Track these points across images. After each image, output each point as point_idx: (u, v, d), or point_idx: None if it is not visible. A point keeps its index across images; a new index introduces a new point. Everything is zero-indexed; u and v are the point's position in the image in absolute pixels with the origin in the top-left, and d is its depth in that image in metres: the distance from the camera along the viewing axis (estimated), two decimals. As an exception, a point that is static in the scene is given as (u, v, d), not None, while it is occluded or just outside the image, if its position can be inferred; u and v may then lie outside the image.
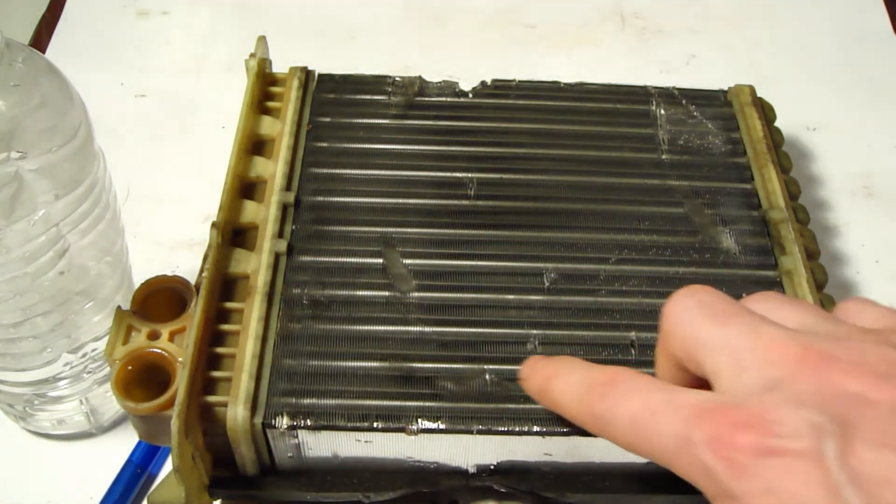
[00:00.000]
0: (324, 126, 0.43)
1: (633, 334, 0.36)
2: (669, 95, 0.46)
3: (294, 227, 0.39)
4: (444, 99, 0.45)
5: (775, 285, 0.38)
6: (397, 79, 0.46)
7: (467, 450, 0.34)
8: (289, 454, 0.35)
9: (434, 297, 0.37)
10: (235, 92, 0.44)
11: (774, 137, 0.44)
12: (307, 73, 0.45)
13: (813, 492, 0.22)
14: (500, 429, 0.33)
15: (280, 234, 0.38)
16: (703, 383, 0.27)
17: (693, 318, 0.27)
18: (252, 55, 0.44)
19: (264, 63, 0.45)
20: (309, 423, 0.33)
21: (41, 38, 0.65)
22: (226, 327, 0.35)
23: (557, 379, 0.30)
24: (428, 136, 0.43)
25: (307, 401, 0.34)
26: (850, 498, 0.22)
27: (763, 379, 0.25)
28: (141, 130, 0.58)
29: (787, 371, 0.25)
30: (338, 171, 0.42)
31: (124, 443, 0.44)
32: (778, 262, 0.39)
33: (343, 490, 0.35)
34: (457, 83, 0.46)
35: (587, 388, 0.29)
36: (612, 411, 0.27)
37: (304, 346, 0.35)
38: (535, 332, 0.36)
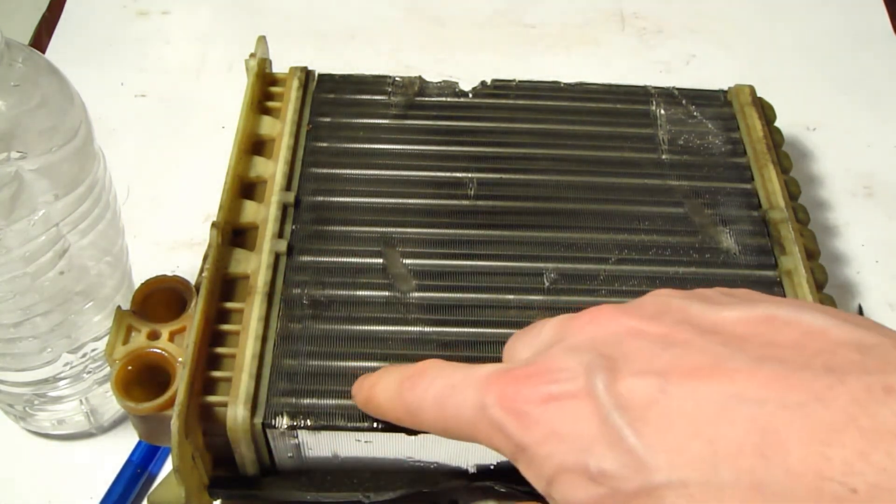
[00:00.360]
0: (324, 126, 0.43)
1: (633, 334, 0.36)
2: (669, 95, 0.46)
3: (294, 227, 0.39)
4: (444, 99, 0.45)
5: (775, 285, 0.38)
6: (397, 79, 0.46)
7: (467, 450, 0.34)
8: (289, 454, 0.35)
9: (434, 297, 0.37)
10: (235, 92, 0.44)
11: (774, 137, 0.44)
12: (307, 73, 0.45)
13: (586, 424, 0.24)
14: (500, 429, 0.33)
15: (280, 234, 0.38)
16: None
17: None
18: (252, 55, 0.44)
19: (264, 63, 0.45)
20: (309, 423, 0.33)
21: (41, 38, 0.65)
22: (226, 327, 0.35)
23: (377, 386, 0.31)
24: (428, 136, 0.43)
25: (307, 401, 0.34)
26: (617, 422, 0.23)
27: (544, 342, 0.28)
28: (141, 130, 0.58)
29: (565, 331, 0.27)
30: (338, 171, 0.42)
31: (124, 443, 0.44)
32: (778, 262, 0.39)
33: (343, 490, 0.35)
34: (457, 83, 0.46)
35: (399, 384, 0.30)
36: (420, 398, 0.29)
37: (304, 346, 0.35)
38: (535, 332, 0.36)
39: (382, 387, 0.31)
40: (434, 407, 0.28)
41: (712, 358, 0.24)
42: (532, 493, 0.34)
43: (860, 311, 0.51)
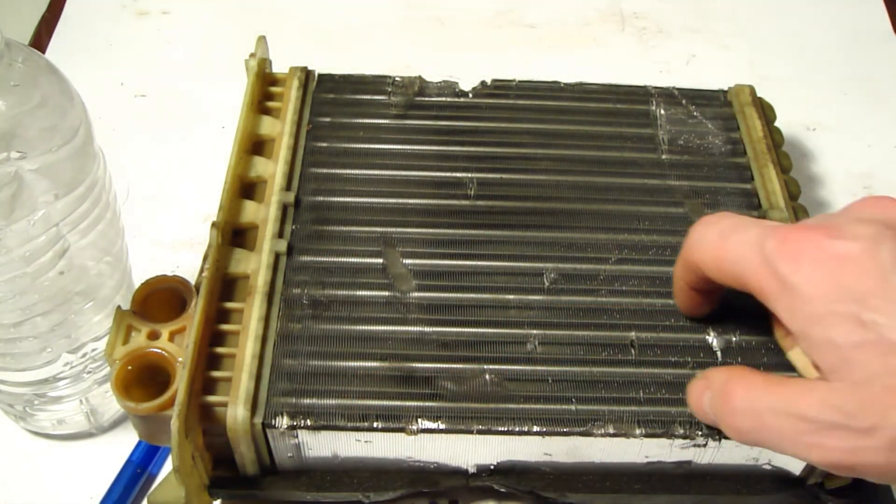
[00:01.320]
0: (324, 126, 0.43)
1: (632, 334, 0.36)
2: (669, 95, 0.46)
3: (294, 227, 0.39)
4: (444, 99, 0.45)
5: (775, 285, 0.38)
6: (397, 79, 0.46)
7: (467, 450, 0.34)
8: (289, 454, 0.35)
9: (434, 297, 0.37)
10: (235, 92, 0.44)
11: (774, 137, 0.44)
12: (307, 73, 0.45)
13: (865, 279, 0.27)
14: (500, 429, 0.33)
15: (280, 234, 0.38)
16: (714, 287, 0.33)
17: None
18: (252, 55, 0.44)
19: (264, 63, 0.45)
20: (309, 423, 0.33)
21: (41, 38, 0.65)
22: (226, 327, 0.35)
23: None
24: (428, 136, 0.43)
25: (307, 401, 0.34)
26: None
27: (827, 215, 0.31)
28: (141, 130, 0.58)
29: (850, 209, 0.30)
30: (338, 171, 0.42)
31: (124, 443, 0.44)
32: (778, 262, 0.39)
33: (343, 490, 0.35)
34: (457, 83, 0.46)
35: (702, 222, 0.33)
36: (704, 231, 0.32)
37: (304, 346, 0.35)
38: (535, 332, 0.36)
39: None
40: (718, 239, 0.31)
41: None
42: (532, 493, 0.34)
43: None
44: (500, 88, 0.46)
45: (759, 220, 0.31)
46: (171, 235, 0.53)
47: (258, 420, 0.33)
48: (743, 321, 0.37)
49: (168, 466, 0.33)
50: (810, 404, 0.28)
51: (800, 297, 0.28)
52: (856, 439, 0.27)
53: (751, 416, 0.30)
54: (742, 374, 0.31)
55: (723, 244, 0.31)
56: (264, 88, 0.45)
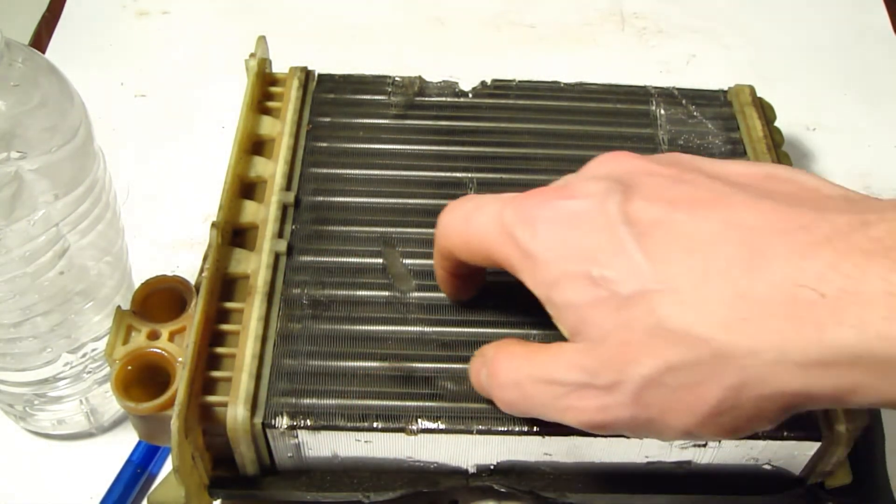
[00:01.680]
0: (324, 126, 0.43)
1: (633, 334, 0.36)
2: (669, 95, 0.46)
3: (294, 227, 0.39)
4: (444, 99, 0.45)
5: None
6: (397, 79, 0.46)
7: (467, 450, 0.34)
8: (289, 454, 0.35)
9: (434, 297, 0.37)
10: (235, 92, 0.44)
11: (774, 137, 0.44)
12: (307, 73, 0.45)
13: (595, 236, 0.27)
14: (500, 429, 0.33)
15: (280, 234, 0.38)
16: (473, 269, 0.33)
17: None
18: (252, 55, 0.44)
19: (264, 63, 0.45)
20: (309, 423, 0.33)
21: (41, 38, 0.65)
22: (226, 327, 0.35)
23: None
24: (428, 136, 0.43)
25: (307, 401, 0.34)
26: (623, 236, 0.27)
27: (565, 176, 0.31)
28: (141, 130, 0.58)
29: (586, 168, 0.31)
30: (338, 171, 0.42)
31: (124, 443, 0.44)
32: (778, 262, 0.39)
33: (343, 490, 0.35)
34: (457, 83, 0.46)
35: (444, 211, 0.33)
36: (449, 218, 0.32)
37: (304, 346, 0.35)
38: (535, 332, 0.36)
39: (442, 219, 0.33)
40: (462, 222, 0.31)
41: (716, 193, 0.27)
42: (532, 493, 0.34)
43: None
44: (500, 88, 0.46)
45: (500, 195, 0.31)
46: (171, 235, 0.53)
47: (258, 420, 0.33)
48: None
49: (168, 466, 0.33)
50: (559, 367, 0.28)
51: (538, 262, 0.28)
52: (602, 397, 0.27)
53: (514, 387, 0.30)
54: (507, 346, 0.31)
55: (467, 226, 0.31)
56: (264, 88, 0.45)
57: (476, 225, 0.31)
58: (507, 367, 0.30)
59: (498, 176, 0.42)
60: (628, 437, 0.29)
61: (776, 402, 0.25)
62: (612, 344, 0.27)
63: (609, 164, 0.30)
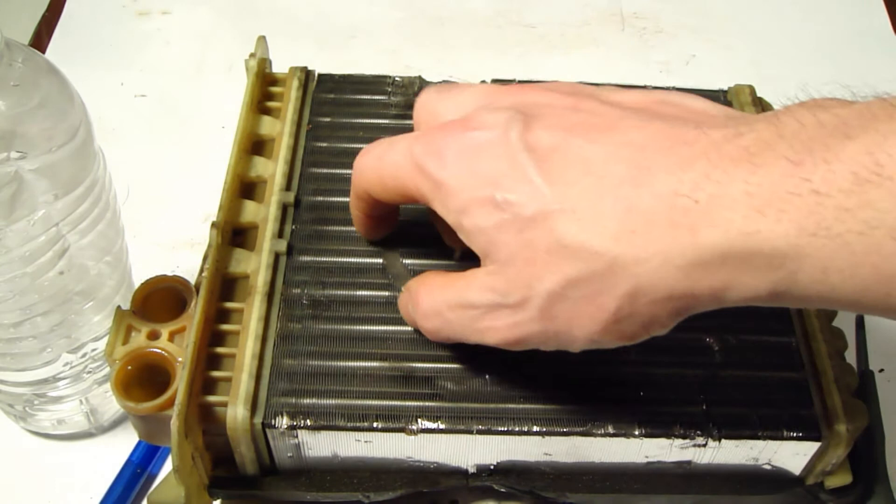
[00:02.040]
0: (324, 126, 0.43)
1: (632, 334, 0.36)
2: (669, 95, 0.46)
3: (294, 227, 0.39)
4: (444, 99, 0.45)
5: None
6: (397, 79, 0.46)
7: (467, 450, 0.34)
8: (289, 454, 0.35)
9: (434, 297, 0.37)
10: (235, 92, 0.44)
11: (774, 137, 0.44)
12: (307, 73, 0.45)
13: (497, 163, 0.29)
14: (500, 429, 0.33)
15: (280, 234, 0.38)
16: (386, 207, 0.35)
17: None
18: (252, 55, 0.44)
19: (264, 63, 0.45)
20: (309, 423, 0.33)
21: (41, 38, 0.65)
22: (226, 327, 0.35)
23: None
24: (428, 136, 0.43)
25: (307, 401, 0.34)
26: (523, 161, 0.28)
27: (469, 104, 0.32)
28: (141, 130, 0.58)
29: (490, 98, 0.32)
30: (338, 171, 0.42)
31: (124, 443, 0.44)
32: (778, 262, 0.39)
33: (343, 490, 0.35)
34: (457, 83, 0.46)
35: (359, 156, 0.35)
36: (364, 160, 0.34)
37: (304, 346, 0.35)
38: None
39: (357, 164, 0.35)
40: (376, 161, 0.33)
41: (610, 118, 0.29)
42: (532, 493, 0.34)
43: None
44: (500, 88, 0.46)
45: (410, 133, 0.33)
46: (171, 235, 0.53)
47: (258, 420, 0.33)
48: (742, 321, 0.37)
49: (168, 466, 0.33)
50: (472, 291, 0.30)
51: (448, 190, 0.30)
52: (513, 315, 0.29)
53: (434, 315, 0.32)
54: (427, 277, 0.33)
55: (380, 163, 0.33)
56: (264, 88, 0.45)
57: (388, 162, 0.32)
58: (428, 297, 0.32)
59: (498, 176, 0.42)
60: (542, 350, 0.31)
61: (666, 306, 0.27)
62: (517, 264, 0.29)
63: (511, 95, 0.32)
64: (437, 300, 0.32)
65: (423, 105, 0.34)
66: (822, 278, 0.25)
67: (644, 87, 0.34)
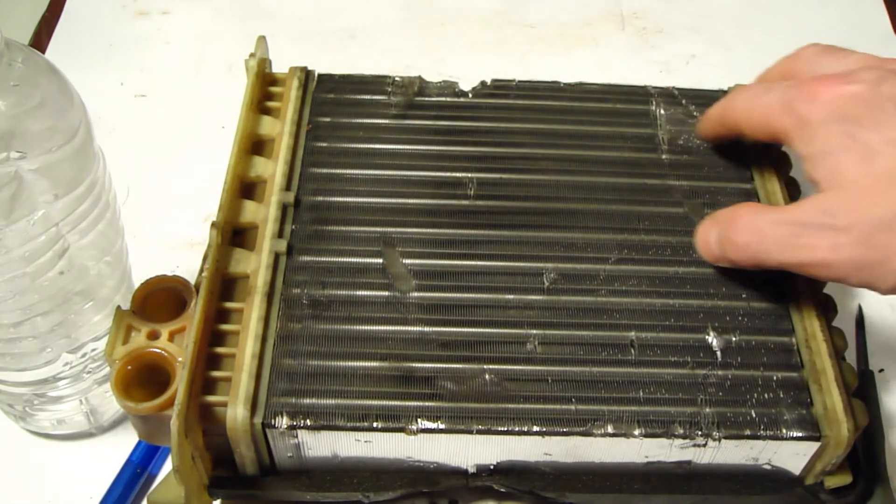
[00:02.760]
0: (324, 126, 0.43)
1: (632, 334, 0.36)
2: (669, 95, 0.46)
3: (294, 227, 0.39)
4: (444, 99, 0.45)
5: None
6: (397, 79, 0.46)
7: (467, 450, 0.34)
8: (289, 454, 0.35)
9: (434, 297, 0.37)
10: (235, 92, 0.44)
11: (774, 137, 0.44)
12: (307, 73, 0.45)
13: (863, 106, 0.33)
14: (500, 429, 0.33)
15: (280, 234, 0.38)
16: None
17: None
18: (252, 55, 0.44)
19: (264, 63, 0.45)
20: (309, 423, 0.33)
21: (41, 38, 0.65)
22: (226, 327, 0.35)
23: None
24: (428, 136, 0.43)
25: (307, 401, 0.34)
26: (888, 108, 0.32)
27: (850, 65, 0.36)
28: (141, 130, 0.58)
29: (870, 62, 0.35)
30: (338, 171, 0.42)
31: (124, 443, 0.44)
32: (778, 262, 0.39)
33: (343, 490, 0.35)
34: (457, 83, 0.46)
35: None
36: (732, 100, 0.38)
37: (304, 346, 0.35)
38: (534, 331, 0.36)
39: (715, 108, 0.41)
40: (750, 99, 0.37)
41: None
42: (532, 493, 0.34)
43: (860, 312, 0.51)
44: (500, 88, 0.46)
45: (784, 82, 0.36)
46: (171, 235, 0.53)
47: (258, 420, 0.33)
48: (743, 321, 0.37)
49: (168, 466, 0.33)
50: (802, 210, 0.33)
51: (811, 127, 0.33)
52: (837, 236, 0.32)
53: (751, 230, 0.34)
54: (749, 203, 0.37)
55: (753, 102, 0.37)
56: (264, 88, 0.45)
57: (761, 102, 0.36)
58: (751, 215, 0.35)
59: (498, 176, 0.42)
60: (847, 283, 0.33)
61: None
62: (856, 189, 0.32)
63: (883, 63, 0.35)
64: (760, 217, 0.34)
65: (806, 58, 0.38)
66: None
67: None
